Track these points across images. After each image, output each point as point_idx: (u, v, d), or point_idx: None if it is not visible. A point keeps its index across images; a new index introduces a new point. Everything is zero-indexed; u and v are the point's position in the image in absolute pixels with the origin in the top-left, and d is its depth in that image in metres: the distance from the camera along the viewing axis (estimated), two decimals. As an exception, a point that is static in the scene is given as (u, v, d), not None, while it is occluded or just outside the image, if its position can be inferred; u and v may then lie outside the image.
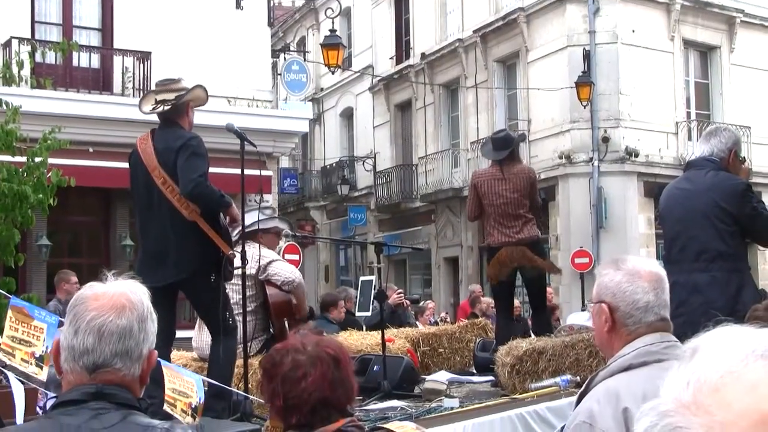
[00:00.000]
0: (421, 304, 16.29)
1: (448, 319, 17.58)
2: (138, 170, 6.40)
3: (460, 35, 27.74)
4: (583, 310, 20.01)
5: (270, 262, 7.32)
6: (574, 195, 23.90)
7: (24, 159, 8.73)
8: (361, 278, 14.44)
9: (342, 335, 9.36)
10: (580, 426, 2.80)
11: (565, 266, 23.60)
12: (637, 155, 23.75)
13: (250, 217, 7.32)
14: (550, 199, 24.45)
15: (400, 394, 7.28)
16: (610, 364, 2.92)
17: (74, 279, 11.02)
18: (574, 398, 6.52)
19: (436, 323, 14.57)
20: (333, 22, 20.77)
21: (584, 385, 2.99)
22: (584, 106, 23.17)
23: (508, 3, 26.04)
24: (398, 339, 8.96)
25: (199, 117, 19.46)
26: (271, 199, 19.24)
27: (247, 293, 6.99)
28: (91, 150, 15.06)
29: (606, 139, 23.71)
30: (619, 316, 2.96)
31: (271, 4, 20.44)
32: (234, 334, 6.41)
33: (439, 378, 8.09)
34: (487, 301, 17.20)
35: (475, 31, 26.81)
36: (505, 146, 8.61)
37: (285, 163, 31.92)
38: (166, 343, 5.96)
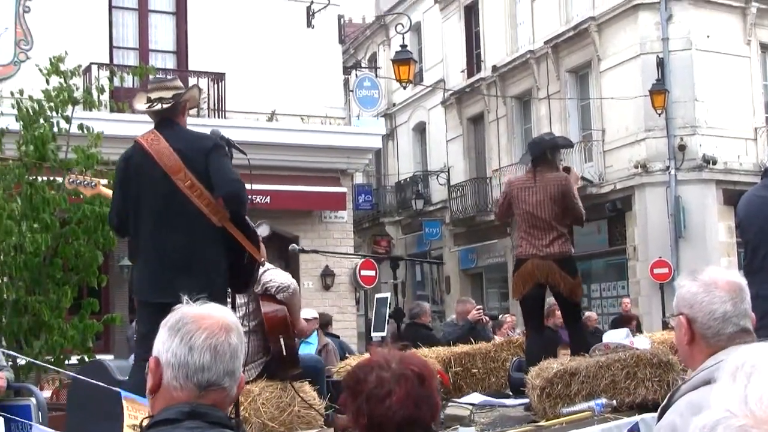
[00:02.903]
0: (499, 318, 16.13)
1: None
2: (147, 172, 5.79)
3: (531, 46, 27.63)
4: (664, 321, 19.72)
5: (264, 271, 6.65)
6: (651, 204, 23.61)
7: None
8: (377, 296, 13.78)
9: (367, 356, 9.10)
10: (663, 440, 2.77)
11: (644, 277, 23.34)
12: (715, 162, 23.39)
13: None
14: (627, 209, 24.22)
15: None
16: (692, 377, 2.88)
17: None
18: (608, 424, 6.34)
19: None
20: (403, 38, 20.82)
21: (666, 399, 2.95)
22: (659, 114, 22.89)
23: (579, 12, 25.88)
24: (427, 359, 8.59)
25: (272, 135, 19.62)
26: (346, 215, 19.35)
27: (245, 311, 6.59)
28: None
29: (682, 147, 23.39)
30: (698, 328, 2.93)
31: (342, 22, 20.59)
32: None
33: (471, 400, 7.72)
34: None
35: (546, 42, 26.69)
36: (534, 150, 8.15)
37: (359, 179, 32.04)
38: None
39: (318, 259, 18.50)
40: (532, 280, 7.95)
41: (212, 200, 5.75)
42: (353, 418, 3.00)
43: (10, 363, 8.69)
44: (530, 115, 28.58)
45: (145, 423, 2.37)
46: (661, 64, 23.44)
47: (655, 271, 22.69)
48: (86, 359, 10.05)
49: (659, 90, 22.62)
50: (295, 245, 7.08)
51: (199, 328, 2.39)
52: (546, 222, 7.87)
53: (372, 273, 21.61)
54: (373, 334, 12.59)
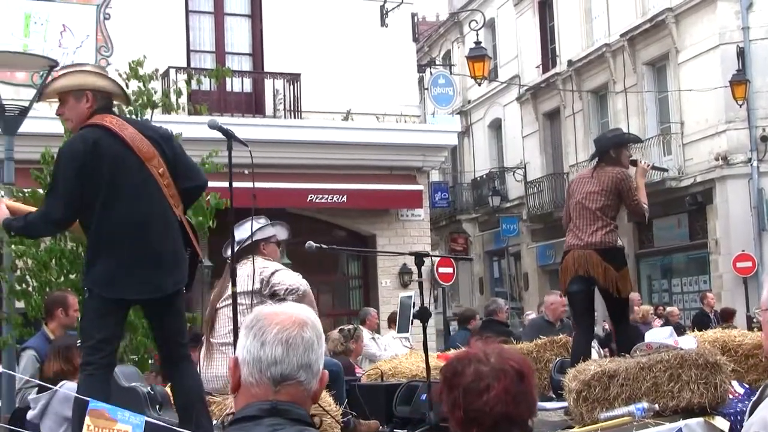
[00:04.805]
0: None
1: (606, 329, 17.23)
2: (120, 157, 5.39)
3: (607, 40, 27.31)
4: (748, 316, 19.34)
5: (273, 273, 6.51)
6: (733, 197, 23.17)
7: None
8: (401, 295, 13.32)
9: (400, 358, 8.85)
10: (755, 436, 2.70)
11: (726, 271, 22.92)
12: (799, 154, 22.90)
13: (246, 228, 6.68)
14: (708, 202, 23.82)
15: (447, 427, 6.44)
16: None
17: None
18: (649, 431, 6.06)
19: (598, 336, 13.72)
20: (477, 34, 20.76)
21: (758, 394, 2.89)
22: (740, 105, 22.47)
23: (655, 4, 25.50)
24: None
25: (348, 134, 19.67)
26: (422, 213, 19.34)
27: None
28: (246, 172, 15.39)
29: (765, 138, 22.94)
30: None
31: (416, 20, 20.59)
32: None
33: None
34: (645, 309, 16.76)
35: (622, 35, 26.35)
36: (597, 148, 8.08)
37: (435, 176, 32.00)
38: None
39: (395, 257, 18.51)
40: (572, 272, 7.71)
41: (175, 191, 5.54)
42: (448, 410, 2.98)
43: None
44: (607, 109, 28.26)
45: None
46: (741, 53, 22.99)
47: (738, 265, 22.28)
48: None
49: (740, 80, 22.21)
50: (312, 243, 6.58)
51: (271, 323, 2.43)
52: (592, 212, 7.66)
53: (450, 270, 21.60)
54: (398, 335, 12.47)
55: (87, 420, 4.63)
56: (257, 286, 6.38)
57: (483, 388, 2.88)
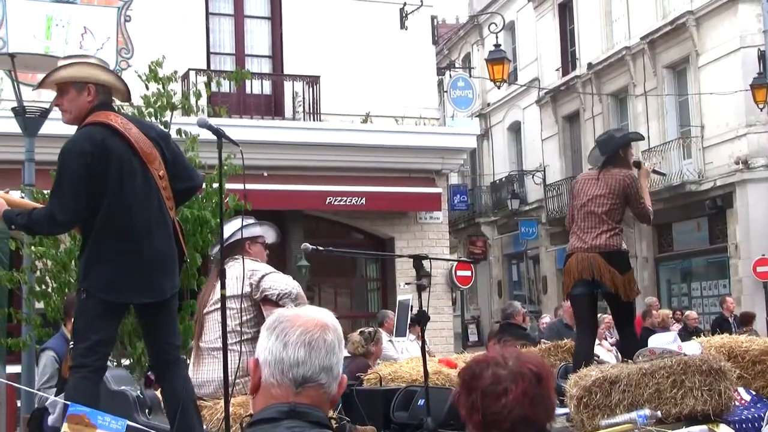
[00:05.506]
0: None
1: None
2: (125, 159, 5.26)
3: (627, 43, 27.24)
4: None
5: (263, 276, 6.32)
6: (753, 201, 23.04)
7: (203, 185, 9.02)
8: (399, 299, 13.01)
9: (401, 362, 8.88)
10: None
11: (746, 275, 22.81)
12: (820, 157, 22.76)
13: (232, 226, 6.48)
14: (728, 206, 23.71)
15: None
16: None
17: None
18: None
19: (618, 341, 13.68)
20: (497, 37, 20.75)
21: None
22: (761, 109, 22.31)
23: (676, 7, 25.42)
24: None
25: (367, 137, 19.69)
26: (441, 216, 19.33)
27: (245, 317, 6.19)
28: (265, 174, 15.45)
29: (786, 142, 22.82)
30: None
31: (435, 23, 20.58)
32: None
33: None
34: (664, 313, 16.70)
35: (642, 38, 26.28)
36: (606, 149, 7.81)
37: (454, 179, 31.99)
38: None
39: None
40: (575, 275, 7.52)
41: (170, 193, 5.46)
42: (466, 413, 2.97)
43: (115, 363, 8.89)
44: (626, 112, 28.18)
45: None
46: (762, 57, 22.86)
47: (758, 269, 22.15)
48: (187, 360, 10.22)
49: (761, 84, 22.05)
50: (307, 244, 6.25)
51: (294, 325, 2.44)
52: (598, 216, 7.50)
53: (468, 273, 21.56)
54: (395, 339, 12.44)
55: (65, 426, 4.43)
56: (246, 289, 6.19)
57: (501, 392, 2.88)
